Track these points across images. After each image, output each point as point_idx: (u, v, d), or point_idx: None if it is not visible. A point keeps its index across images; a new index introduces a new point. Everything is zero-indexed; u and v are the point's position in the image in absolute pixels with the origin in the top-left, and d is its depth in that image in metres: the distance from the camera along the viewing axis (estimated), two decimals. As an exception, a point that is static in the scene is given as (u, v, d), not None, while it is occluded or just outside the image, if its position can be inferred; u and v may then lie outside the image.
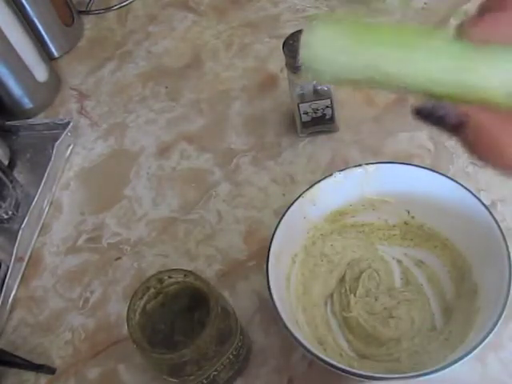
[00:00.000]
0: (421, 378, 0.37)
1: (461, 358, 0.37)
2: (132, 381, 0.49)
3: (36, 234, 0.60)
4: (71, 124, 0.67)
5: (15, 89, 0.69)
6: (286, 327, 0.41)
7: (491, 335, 0.38)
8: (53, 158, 0.63)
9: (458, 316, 0.45)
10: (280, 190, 0.59)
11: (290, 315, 0.43)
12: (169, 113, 0.69)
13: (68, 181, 0.65)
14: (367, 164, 0.48)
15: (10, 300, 0.55)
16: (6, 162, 0.64)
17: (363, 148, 0.60)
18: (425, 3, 0.74)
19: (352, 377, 0.38)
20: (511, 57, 0.26)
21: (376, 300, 0.48)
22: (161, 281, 0.42)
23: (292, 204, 0.47)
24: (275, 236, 0.45)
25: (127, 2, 0.85)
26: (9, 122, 0.69)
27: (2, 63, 0.66)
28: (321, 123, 0.60)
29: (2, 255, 0.56)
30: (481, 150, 0.26)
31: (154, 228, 0.59)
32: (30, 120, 0.70)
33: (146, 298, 0.42)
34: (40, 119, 0.71)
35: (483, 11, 0.27)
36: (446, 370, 0.37)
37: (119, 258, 0.57)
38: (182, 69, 0.74)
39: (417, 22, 0.72)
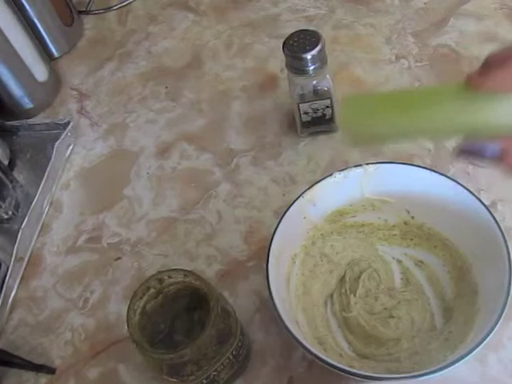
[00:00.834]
0: (421, 378, 0.37)
1: (461, 358, 0.37)
2: (132, 381, 0.49)
3: (36, 234, 0.60)
4: (71, 124, 0.67)
5: (15, 89, 0.69)
6: (286, 327, 0.41)
7: (491, 335, 0.38)
8: (53, 158, 0.63)
9: (458, 316, 0.45)
10: (280, 190, 0.59)
11: (290, 315, 0.43)
12: (169, 113, 0.69)
13: (68, 181, 0.65)
14: (367, 164, 0.48)
15: (10, 300, 0.55)
16: (6, 162, 0.64)
17: (363, 148, 0.60)
18: (425, 3, 0.74)
19: (352, 377, 0.38)
20: None
21: (376, 300, 0.48)
22: (161, 281, 0.42)
23: (292, 204, 0.47)
24: (275, 236, 0.45)
25: (127, 2, 0.85)
26: (9, 122, 0.69)
27: (2, 63, 0.66)
28: (321, 123, 0.60)
29: (2, 255, 0.56)
30: None
31: (154, 228, 0.59)
32: (30, 120, 0.70)
33: (145, 298, 0.42)
34: (40, 119, 0.71)
35: (489, 65, 0.31)
36: (446, 369, 0.37)
37: (119, 258, 0.57)
38: (182, 69, 0.74)
39: (417, 21, 0.72)
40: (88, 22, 0.84)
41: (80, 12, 0.84)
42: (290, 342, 0.44)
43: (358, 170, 0.48)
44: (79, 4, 0.85)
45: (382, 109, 0.35)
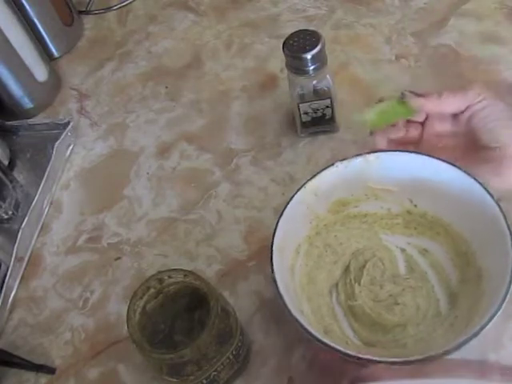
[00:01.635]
0: (426, 362, 0.37)
1: (466, 342, 0.37)
2: (132, 381, 0.49)
3: (36, 234, 0.60)
4: (71, 124, 0.67)
5: (15, 89, 0.69)
6: (291, 315, 0.40)
7: (495, 318, 0.37)
8: (53, 158, 0.63)
9: (463, 301, 0.45)
10: (280, 190, 0.59)
11: (296, 305, 0.43)
12: (169, 113, 0.69)
13: (68, 181, 0.65)
14: (368, 153, 0.47)
15: (10, 300, 0.55)
16: (6, 162, 0.64)
17: (363, 148, 0.60)
18: (425, 3, 0.74)
19: (359, 362, 0.38)
20: None
21: (381, 288, 0.48)
22: (161, 281, 0.42)
23: (294, 195, 0.46)
24: (278, 227, 0.45)
25: (127, 2, 0.85)
26: (9, 122, 0.69)
27: (2, 63, 0.66)
28: (321, 123, 0.60)
29: (2, 255, 0.56)
30: None
31: (154, 228, 0.59)
32: (30, 120, 0.70)
33: (145, 297, 0.42)
34: (40, 119, 0.71)
35: None
36: (452, 353, 0.37)
37: (119, 258, 0.57)
38: (182, 69, 0.74)
39: (417, 21, 0.72)
40: (88, 22, 0.84)
41: (80, 12, 0.84)
42: (290, 341, 0.44)
43: (359, 159, 0.48)
44: (79, 4, 0.85)
45: None
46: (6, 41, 0.66)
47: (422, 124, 0.49)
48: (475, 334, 0.37)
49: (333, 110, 0.58)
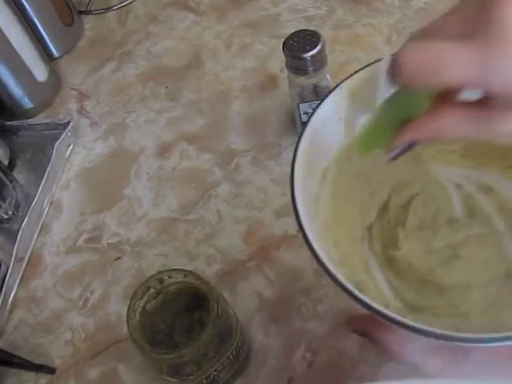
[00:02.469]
0: (500, 344, 0.26)
1: None
2: (132, 381, 0.49)
3: (36, 234, 0.60)
4: (71, 124, 0.67)
5: (15, 89, 0.69)
6: (318, 260, 0.30)
7: None
8: (53, 158, 0.63)
9: None
10: (280, 190, 0.59)
11: (321, 248, 0.32)
12: (169, 113, 0.69)
13: (68, 181, 0.65)
14: None
15: (10, 300, 0.55)
16: (6, 162, 0.64)
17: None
18: (425, 3, 0.74)
19: (405, 330, 0.27)
20: None
21: (434, 234, 0.37)
22: (161, 281, 0.42)
23: (326, 97, 0.36)
24: (303, 138, 0.34)
25: (127, 2, 0.85)
26: (9, 122, 0.69)
27: (2, 63, 0.66)
28: (321, 123, 0.60)
29: (2, 255, 0.56)
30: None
31: (154, 228, 0.59)
32: (30, 120, 0.70)
33: (145, 297, 0.42)
34: (40, 119, 0.71)
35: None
36: None
37: (119, 258, 0.57)
38: (182, 69, 0.74)
39: (417, 21, 0.72)
40: (88, 21, 0.84)
41: (80, 12, 0.84)
42: (290, 341, 0.44)
43: None
44: (79, 4, 0.85)
45: None
46: (6, 41, 0.66)
47: None
48: None
49: (333, 109, 0.58)
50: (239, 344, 0.44)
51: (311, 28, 0.55)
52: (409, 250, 0.36)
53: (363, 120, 0.36)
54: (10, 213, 0.60)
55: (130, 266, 0.56)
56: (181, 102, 0.70)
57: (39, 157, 0.66)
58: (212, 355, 0.41)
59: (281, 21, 0.76)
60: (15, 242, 0.57)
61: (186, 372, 0.41)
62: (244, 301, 0.51)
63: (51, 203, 0.63)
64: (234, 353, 0.43)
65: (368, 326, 0.32)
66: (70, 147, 0.67)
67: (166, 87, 0.72)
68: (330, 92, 0.35)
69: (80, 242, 0.59)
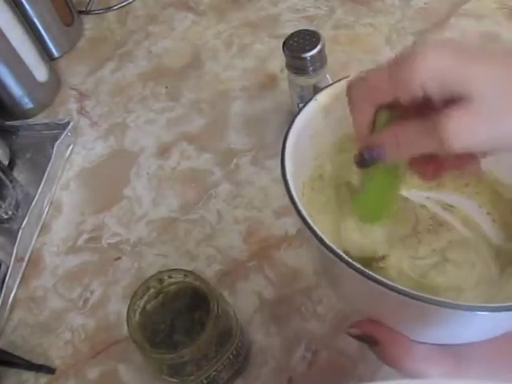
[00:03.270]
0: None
1: None
2: (132, 381, 0.49)
3: (36, 234, 0.60)
4: (71, 124, 0.67)
5: (15, 89, 0.69)
6: (322, 243, 0.29)
7: None
8: (53, 158, 0.63)
9: None
10: (280, 190, 0.58)
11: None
12: (169, 113, 0.69)
13: (68, 181, 0.65)
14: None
15: (10, 300, 0.55)
16: (6, 162, 0.64)
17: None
18: (425, 3, 0.74)
19: (414, 302, 0.26)
20: None
21: (419, 242, 0.37)
22: (161, 281, 0.42)
23: (302, 109, 0.35)
24: (286, 153, 0.34)
25: (127, 2, 0.85)
26: (9, 122, 0.69)
27: (2, 63, 0.66)
28: (321, 123, 0.60)
29: (2, 255, 0.56)
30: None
31: (154, 228, 0.59)
32: (30, 120, 0.70)
33: (145, 297, 0.42)
34: (40, 119, 0.71)
35: None
36: None
37: (119, 258, 0.57)
38: (181, 69, 0.74)
39: (417, 21, 0.72)
40: (88, 21, 0.84)
41: (80, 12, 0.84)
42: (290, 341, 0.44)
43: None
44: (79, 4, 0.85)
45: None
46: (6, 41, 0.66)
47: None
48: None
49: (333, 110, 0.58)
50: (239, 344, 0.44)
51: (311, 28, 0.55)
52: (397, 258, 0.36)
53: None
54: (10, 213, 0.60)
55: (130, 266, 0.56)
56: (181, 102, 0.70)
57: (39, 157, 0.66)
58: (212, 355, 0.41)
59: (281, 21, 0.76)
60: (15, 242, 0.57)
61: (186, 372, 0.41)
62: (244, 301, 0.51)
63: (51, 203, 0.63)
64: (233, 353, 0.43)
65: (372, 331, 0.32)
66: (70, 147, 0.67)
67: (166, 87, 0.72)
68: (305, 104, 0.35)
69: (80, 241, 0.59)
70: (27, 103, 0.71)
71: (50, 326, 0.54)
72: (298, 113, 0.35)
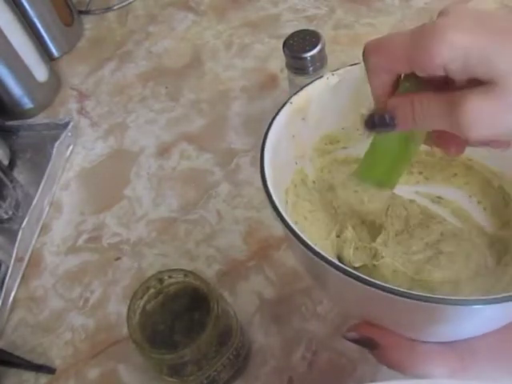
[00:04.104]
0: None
1: None
2: (132, 381, 0.49)
3: (36, 234, 0.60)
4: (71, 124, 0.67)
5: (15, 89, 0.69)
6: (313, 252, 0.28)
7: None
8: (53, 158, 0.63)
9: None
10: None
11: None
12: (169, 113, 0.69)
13: (68, 181, 0.65)
14: None
15: (10, 300, 0.55)
16: (6, 162, 0.64)
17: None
18: (425, 3, 0.74)
19: (410, 301, 0.25)
20: None
21: (411, 236, 0.36)
22: (161, 281, 0.42)
23: (277, 113, 0.34)
24: (265, 161, 0.33)
25: (127, 2, 0.85)
26: (9, 122, 0.69)
27: (2, 63, 0.66)
28: (321, 123, 0.60)
29: (1, 255, 0.56)
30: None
31: (154, 228, 0.59)
32: (30, 120, 0.70)
33: (146, 297, 0.42)
34: (40, 119, 0.71)
35: None
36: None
37: (119, 258, 0.57)
38: (181, 69, 0.74)
39: (417, 21, 0.72)
40: (88, 21, 0.84)
41: (80, 12, 0.84)
42: (290, 341, 0.44)
43: (356, 69, 0.35)
44: (79, 4, 0.85)
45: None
46: (6, 41, 0.66)
47: None
48: None
49: (333, 110, 0.58)
50: (239, 344, 0.44)
51: (311, 28, 0.55)
52: (391, 256, 0.36)
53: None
54: (10, 213, 0.60)
55: (130, 266, 0.56)
56: (181, 102, 0.70)
57: (39, 157, 0.66)
58: (212, 355, 0.41)
59: (281, 21, 0.76)
60: (15, 242, 0.57)
61: (185, 372, 0.41)
62: (244, 301, 0.51)
63: (51, 203, 0.63)
64: (233, 353, 0.43)
65: (371, 334, 0.31)
66: (70, 147, 0.67)
67: (166, 87, 0.72)
68: (280, 109, 0.34)
69: (80, 241, 0.59)
70: (27, 103, 0.71)
71: (50, 326, 0.54)
72: (274, 118, 0.34)
